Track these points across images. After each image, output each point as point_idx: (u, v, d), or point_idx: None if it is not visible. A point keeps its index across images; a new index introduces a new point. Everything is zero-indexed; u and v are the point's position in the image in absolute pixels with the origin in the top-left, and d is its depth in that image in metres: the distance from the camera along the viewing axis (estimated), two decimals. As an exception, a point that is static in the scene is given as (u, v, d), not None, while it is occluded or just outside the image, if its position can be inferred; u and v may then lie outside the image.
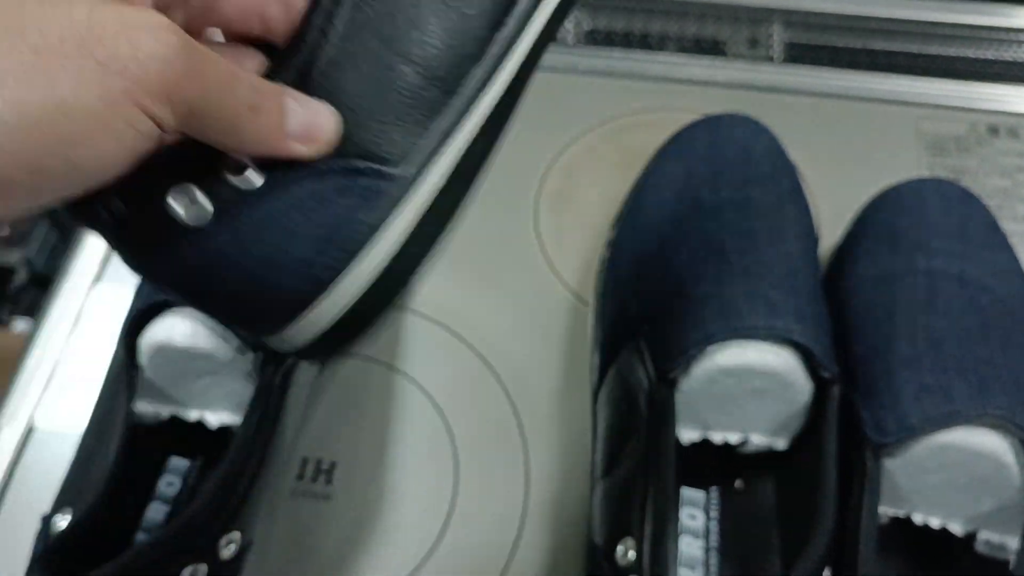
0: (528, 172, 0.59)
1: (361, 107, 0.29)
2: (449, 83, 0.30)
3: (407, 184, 0.29)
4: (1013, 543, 0.40)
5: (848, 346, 0.44)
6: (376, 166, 0.29)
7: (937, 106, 0.62)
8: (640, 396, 0.41)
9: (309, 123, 0.28)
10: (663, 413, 0.39)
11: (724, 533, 0.43)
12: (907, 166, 0.59)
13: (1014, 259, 0.48)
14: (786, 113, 0.62)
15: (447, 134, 0.30)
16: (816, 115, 0.62)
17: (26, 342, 0.54)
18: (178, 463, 0.45)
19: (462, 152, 0.30)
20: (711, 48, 0.65)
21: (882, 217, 0.49)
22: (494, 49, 0.30)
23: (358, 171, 0.29)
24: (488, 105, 0.31)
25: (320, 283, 0.29)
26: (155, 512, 0.43)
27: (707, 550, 0.42)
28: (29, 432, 0.50)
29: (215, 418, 0.44)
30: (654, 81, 0.64)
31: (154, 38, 0.24)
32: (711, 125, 0.51)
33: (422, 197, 0.30)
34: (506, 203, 0.58)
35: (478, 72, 0.30)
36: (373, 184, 0.29)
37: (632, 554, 0.37)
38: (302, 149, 0.28)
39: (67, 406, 0.52)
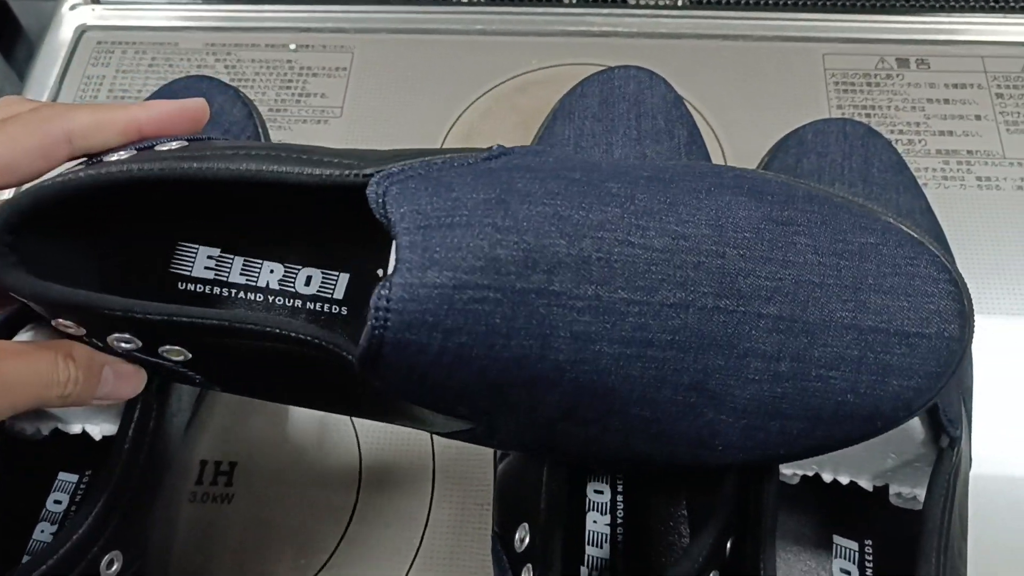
0: (428, 140, 0.57)
1: None
2: None
3: None
4: (924, 494, 0.39)
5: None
6: None
7: (844, 39, 0.59)
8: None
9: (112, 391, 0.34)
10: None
11: (631, 506, 0.41)
12: (816, 106, 0.57)
13: (919, 197, 0.46)
14: (691, 59, 0.59)
15: None
16: (722, 59, 0.60)
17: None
18: (67, 478, 0.44)
19: None
20: (611, -3, 0.63)
21: (785, 161, 0.48)
22: None
23: None
24: None
25: None
26: (42, 533, 0.42)
27: (614, 525, 0.41)
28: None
29: (97, 430, 0.42)
30: (553, 36, 0.61)
31: None
32: (603, 80, 0.49)
33: None
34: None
35: None
36: None
37: (528, 540, 0.35)
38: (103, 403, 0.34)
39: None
